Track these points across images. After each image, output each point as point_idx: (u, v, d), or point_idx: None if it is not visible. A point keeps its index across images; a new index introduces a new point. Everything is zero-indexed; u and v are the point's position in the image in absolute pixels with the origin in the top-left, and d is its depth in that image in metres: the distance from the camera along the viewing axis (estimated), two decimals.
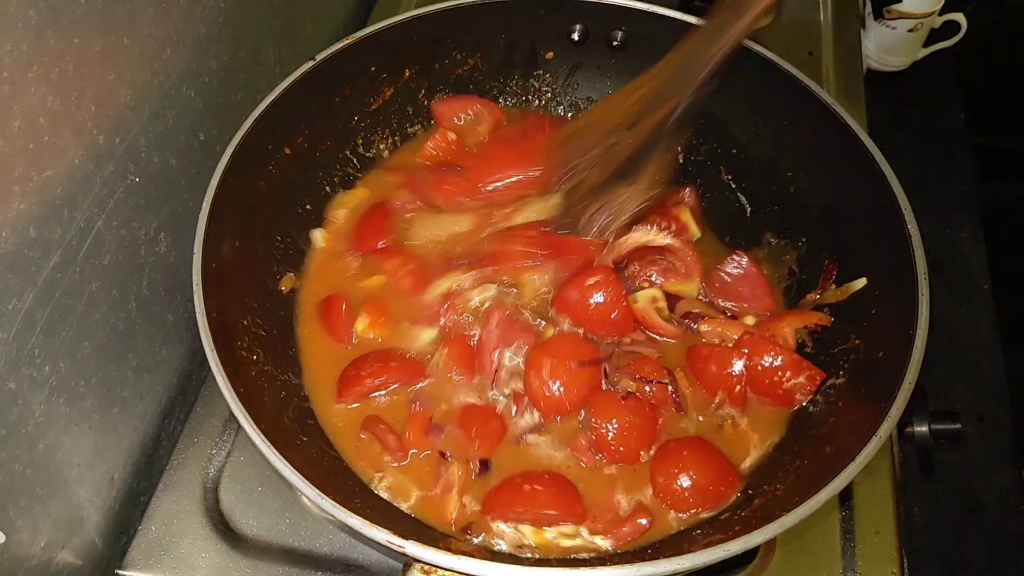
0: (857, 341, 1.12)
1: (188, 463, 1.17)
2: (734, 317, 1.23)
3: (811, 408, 1.12)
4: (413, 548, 0.81)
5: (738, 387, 1.12)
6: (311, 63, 1.24)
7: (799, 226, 1.30)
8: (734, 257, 1.25)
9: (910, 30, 1.32)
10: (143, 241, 1.12)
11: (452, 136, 1.43)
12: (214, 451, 1.19)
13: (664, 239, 1.23)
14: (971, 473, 1.66)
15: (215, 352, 0.96)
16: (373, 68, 1.34)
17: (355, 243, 1.31)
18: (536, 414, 1.11)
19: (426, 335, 1.19)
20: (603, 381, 1.12)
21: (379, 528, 0.82)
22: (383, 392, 1.13)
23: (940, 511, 1.63)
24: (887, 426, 0.92)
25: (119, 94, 1.01)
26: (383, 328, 1.19)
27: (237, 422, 0.92)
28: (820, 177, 1.27)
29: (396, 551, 0.82)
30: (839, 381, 1.11)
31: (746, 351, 1.12)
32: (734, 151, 1.42)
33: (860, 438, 0.92)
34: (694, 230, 1.32)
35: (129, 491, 1.15)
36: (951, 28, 1.72)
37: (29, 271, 0.89)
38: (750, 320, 1.21)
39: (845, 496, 1.16)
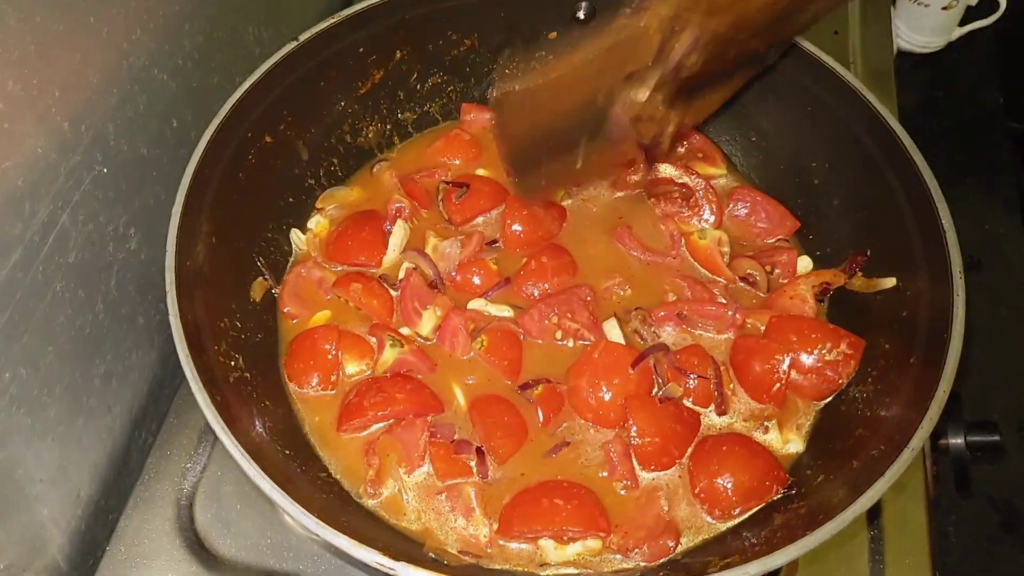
0: (886, 345, 1.12)
1: (160, 478, 1.17)
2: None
3: (842, 408, 1.13)
4: (405, 570, 0.82)
5: (778, 385, 1.15)
6: (294, 44, 1.24)
7: (823, 220, 1.31)
8: (735, 196, 1.36)
9: (944, 8, 1.34)
10: (112, 237, 1.12)
11: (466, 137, 1.47)
12: (188, 465, 1.19)
13: (686, 177, 1.36)
14: (1011, 488, 1.66)
15: (190, 358, 0.96)
16: (361, 49, 1.34)
17: (332, 253, 1.32)
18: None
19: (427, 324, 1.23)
20: (655, 383, 1.16)
21: (367, 548, 0.83)
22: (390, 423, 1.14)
23: (977, 530, 1.62)
24: (919, 437, 0.92)
25: (85, 77, 1.01)
26: (369, 357, 1.21)
27: (213, 433, 0.92)
28: (846, 167, 1.27)
29: (386, 574, 0.82)
30: (867, 389, 1.12)
31: (794, 340, 1.15)
32: (753, 139, 1.42)
33: (890, 451, 0.92)
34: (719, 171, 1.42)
35: (96, 509, 1.15)
36: (989, 6, 1.71)
37: None
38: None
39: (874, 514, 1.16)
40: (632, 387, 1.15)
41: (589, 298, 1.27)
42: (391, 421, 1.14)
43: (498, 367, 1.20)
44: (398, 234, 1.33)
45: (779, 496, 1.07)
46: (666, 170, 1.40)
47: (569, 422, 1.16)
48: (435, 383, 1.19)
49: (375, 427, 1.14)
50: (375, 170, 1.46)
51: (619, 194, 1.43)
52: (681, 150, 1.46)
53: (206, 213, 1.11)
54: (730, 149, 1.47)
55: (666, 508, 1.08)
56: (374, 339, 1.23)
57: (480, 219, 1.39)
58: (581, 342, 1.23)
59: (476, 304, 1.26)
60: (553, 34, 1.44)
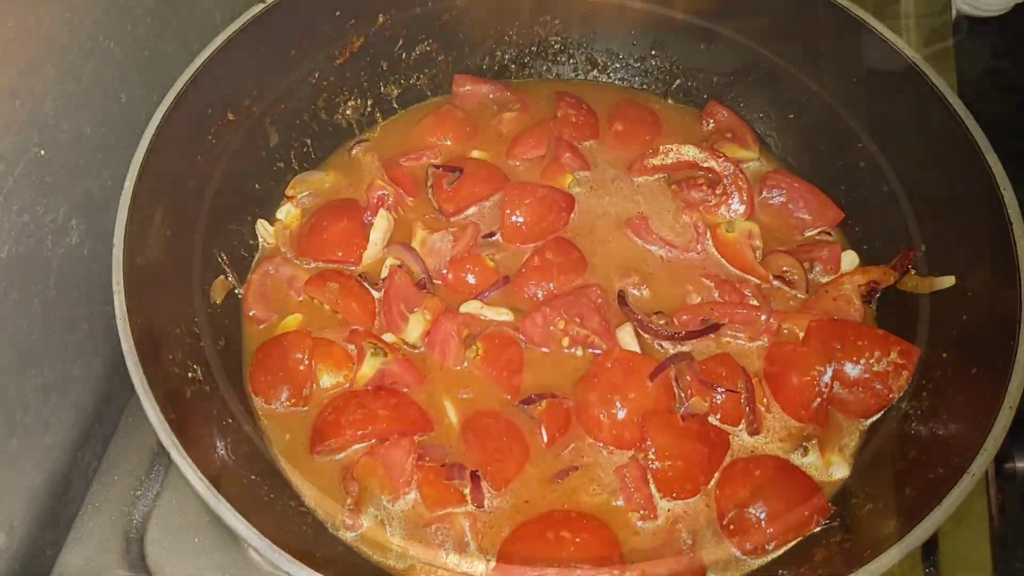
0: (944, 354, 1.12)
1: (106, 507, 1.17)
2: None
3: (893, 427, 1.14)
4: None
5: (819, 400, 1.15)
6: (261, 6, 1.24)
7: (871, 210, 1.31)
8: (768, 182, 1.35)
9: None
10: (50, 229, 1.12)
11: (460, 113, 1.49)
12: (139, 492, 1.19)
13: (712, 160, 1.36)
14: None
15: (140, 368, 0.96)
16: (338, 13, 1.35)
17: (304, 247, 1.33)
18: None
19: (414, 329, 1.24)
20: (676, 398, 1.16)
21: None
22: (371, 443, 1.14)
23: None
24: (982, 461, 0.92)
25: (20, 45, 1.01)
26: (348, 368, 1.21)
27: (168, 455, 0.92)
28: (898, 149, 1.27)
29: None
30: (921, 405, 1.12)
31: (837, 347, 1.15)
32: (791, 115, 1.43)
33: (948, 476, 0.92)
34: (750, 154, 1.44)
35: (32, 543, 1.14)
36: None
37: None
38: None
39: (929, 549, 1.15)
40: (650, 403, 1.15)
41: (600, 300, 1.27)
42: (372, 441, 1.14)
43: (496, 379, 1.21)
44: (380, 226, 1.34)
45: (820, 528, 1.07)
46: (689, 152, 1.41)
47: (577, 443, 1.16)
48: (423, 398, 1.19)
49: (354, 448, 1.15)
50: (354, 152, 1.46)
51: (636, 180, 1.44)
52: (708, 127, 1.46)
53: (159, 202, 1.11)
54: (763, 128, 1.47)
55: (689, 542, 1.08)
56: (353, 347, 1.23)
57: (474, 208, 1.39)
58: (591, 351, 1.23)
59: (471, 307, 1.27)
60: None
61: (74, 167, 1.15)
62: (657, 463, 1.11)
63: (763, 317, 1.24)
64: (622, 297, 1.28)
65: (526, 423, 1.17)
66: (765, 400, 1.20)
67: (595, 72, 1.60)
